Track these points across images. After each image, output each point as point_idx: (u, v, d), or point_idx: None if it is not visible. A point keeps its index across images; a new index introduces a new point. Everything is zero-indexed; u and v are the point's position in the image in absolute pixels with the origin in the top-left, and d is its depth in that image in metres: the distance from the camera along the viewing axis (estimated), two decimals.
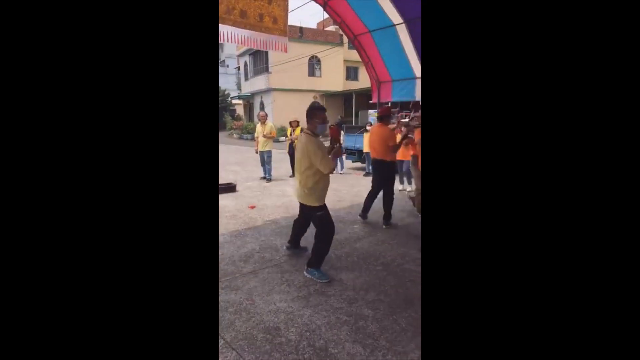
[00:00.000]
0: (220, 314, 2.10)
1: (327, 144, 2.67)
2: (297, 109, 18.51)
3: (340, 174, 7.65)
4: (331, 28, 20.45)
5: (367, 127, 7.43)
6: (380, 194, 3.88)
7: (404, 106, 9.17)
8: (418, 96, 4.79)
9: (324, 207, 2.61)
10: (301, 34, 19.52)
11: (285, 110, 17.14)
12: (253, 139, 10.64)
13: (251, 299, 2.31)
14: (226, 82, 27.81)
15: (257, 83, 21.10)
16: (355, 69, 21.77)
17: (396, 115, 9.82)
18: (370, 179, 4.32)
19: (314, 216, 2.61)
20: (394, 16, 4.12)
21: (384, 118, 3.82)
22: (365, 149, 7.45)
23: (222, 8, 3.39)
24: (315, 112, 2.55)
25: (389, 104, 5.81)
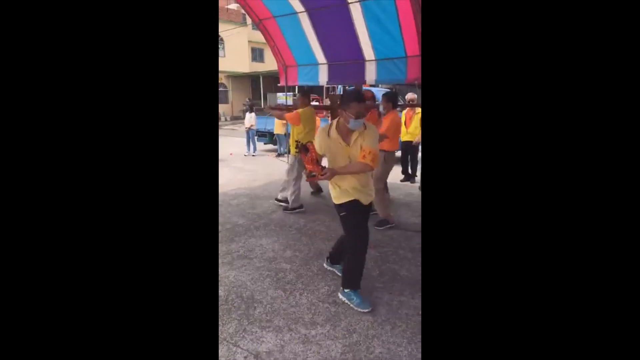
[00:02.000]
0: None
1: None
2: None
3: (253, 155, 7.81)
4: (233, 6, 19.59)
5: None
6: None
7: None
8: (321, 81, 5.25)
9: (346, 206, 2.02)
10: None
11: None
12: None
13: None
14: None
15: None
16: (261, 50, 21.47)
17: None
18: (283, 159, 4.64)
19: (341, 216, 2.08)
20: (296, 5, 4.41)
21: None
22: (276, 131, 7.73)
23: None
24: (349, 102, 1.83)
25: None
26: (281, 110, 4.36)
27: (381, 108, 3.64)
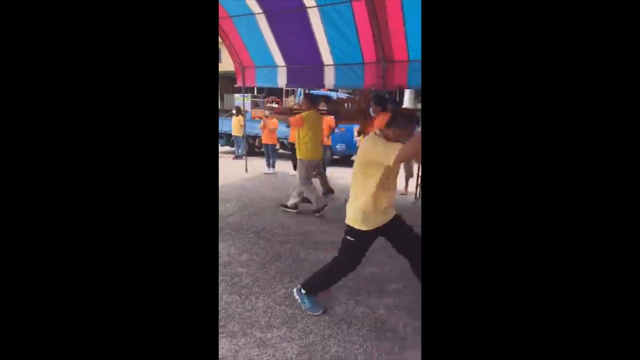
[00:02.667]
0: None
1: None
2: None
3: None
4: None
5: (234, 111, 7.52)
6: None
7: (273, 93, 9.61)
8: (280, 83, 5.22)
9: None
10: None
11: None
12: None
13: None
14: None
15: None
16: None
17: (263, 100, 10.22)
18: (240, 162, 4.53)
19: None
20: (254, 6, 4.36)
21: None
22: (234, 133, 7.55)
23: None
24: (406, 124, 1.68)
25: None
26: (286, 114, 4.34)
27: (371, 111, 3.77)
